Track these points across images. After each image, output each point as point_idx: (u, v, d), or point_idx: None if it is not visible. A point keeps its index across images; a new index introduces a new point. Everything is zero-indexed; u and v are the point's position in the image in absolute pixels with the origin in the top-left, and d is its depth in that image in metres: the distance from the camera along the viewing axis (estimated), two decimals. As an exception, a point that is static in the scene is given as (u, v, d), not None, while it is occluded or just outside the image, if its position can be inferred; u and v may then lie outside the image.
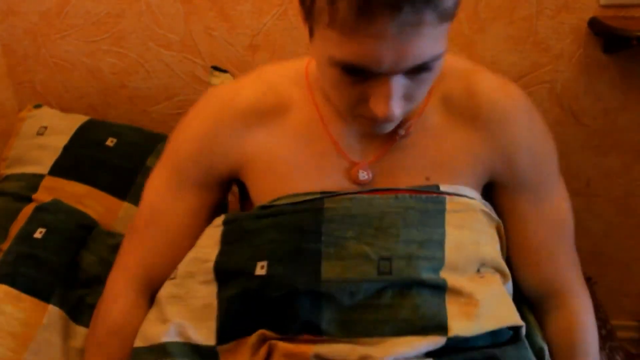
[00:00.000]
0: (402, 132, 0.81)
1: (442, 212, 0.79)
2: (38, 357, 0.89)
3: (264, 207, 0.82)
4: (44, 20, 1.38)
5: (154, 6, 1.35)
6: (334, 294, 0.75)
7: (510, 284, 0.85)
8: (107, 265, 1.00)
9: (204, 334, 0.79)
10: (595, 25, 1.28)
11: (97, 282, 0.99)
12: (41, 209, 1.06)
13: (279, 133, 0.84)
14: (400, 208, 0.78)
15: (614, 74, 1.35)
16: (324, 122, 0.83)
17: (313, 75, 0.85)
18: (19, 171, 1.19)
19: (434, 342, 0.73)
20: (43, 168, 1.17)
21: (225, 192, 0.92)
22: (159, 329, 0.81)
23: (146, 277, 0.87)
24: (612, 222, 1.53)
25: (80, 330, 0.95)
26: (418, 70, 0.67)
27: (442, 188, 0.81)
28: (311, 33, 0.71)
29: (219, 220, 0.85)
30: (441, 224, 0.78)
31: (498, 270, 0.83)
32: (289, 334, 0.76)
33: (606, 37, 1.29)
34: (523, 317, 0.82)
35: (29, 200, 1.12)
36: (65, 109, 1.37)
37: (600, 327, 1.12)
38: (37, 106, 1.30)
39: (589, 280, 1.32)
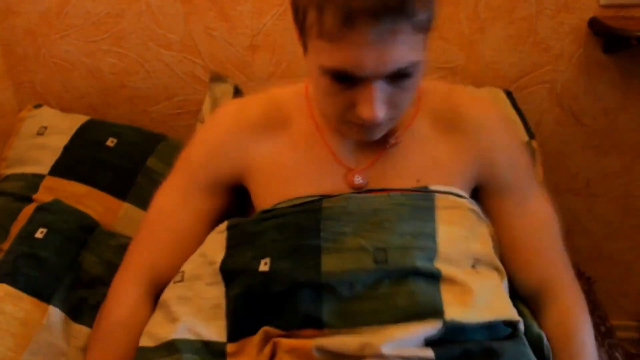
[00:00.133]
0: (392, 140, 0.90)
1: (431, 208, 0.86)
2: (37, 357, 0.89)
3: (265, 211, 0.88)
4: (44, 20, 1.38)
5: (153, 6, 1.35)
6: (334, 286, 0.79)
7: (505, 281, 0.89)
8: (108, 265, 1.01)
9: (215, 332, 0.84)
10: (595, 25, 1.28)
11: (98, 282, 0.99)
12: (42, 209, 1.06)
13: (281, 143, 0.92)
14: (393, 205, 0.85)
15: (614, 74, 1.35)
16: (322, 134, 0.91)
17: (311, 94, 0.93)
18: (19, 171, 1.19)
19: (430, 326, 0.76)
20: (43, 168, 1.17)
21: (230, 199, 0.97)
22: (167, 328, 0.84)
23: (152, 276, 0.91)
24: (612, 222, 1.53)
25: (81, 330, 0.95)
26: (399, 76, 0.75)
27: (432, 187, 0.88)
28: (305, 48, 0.80)
29: (223, 226, 0.91)
30: (431, 219, 0.85)
31: (494, 267, 0.87)
32: (291, 330, 0.80)
33: (606, 37, 1.29)
34: (519, 311, 0.86)
35: (30, 200, 1.12)
36: (65, 109, 1.37)
37: (599, 325, 1.13)
38: (37, 106, 1.30)
39: (589, 280, 1.32)
